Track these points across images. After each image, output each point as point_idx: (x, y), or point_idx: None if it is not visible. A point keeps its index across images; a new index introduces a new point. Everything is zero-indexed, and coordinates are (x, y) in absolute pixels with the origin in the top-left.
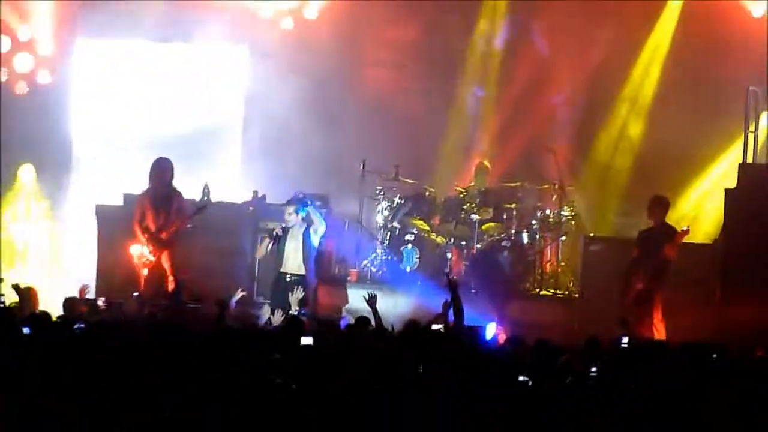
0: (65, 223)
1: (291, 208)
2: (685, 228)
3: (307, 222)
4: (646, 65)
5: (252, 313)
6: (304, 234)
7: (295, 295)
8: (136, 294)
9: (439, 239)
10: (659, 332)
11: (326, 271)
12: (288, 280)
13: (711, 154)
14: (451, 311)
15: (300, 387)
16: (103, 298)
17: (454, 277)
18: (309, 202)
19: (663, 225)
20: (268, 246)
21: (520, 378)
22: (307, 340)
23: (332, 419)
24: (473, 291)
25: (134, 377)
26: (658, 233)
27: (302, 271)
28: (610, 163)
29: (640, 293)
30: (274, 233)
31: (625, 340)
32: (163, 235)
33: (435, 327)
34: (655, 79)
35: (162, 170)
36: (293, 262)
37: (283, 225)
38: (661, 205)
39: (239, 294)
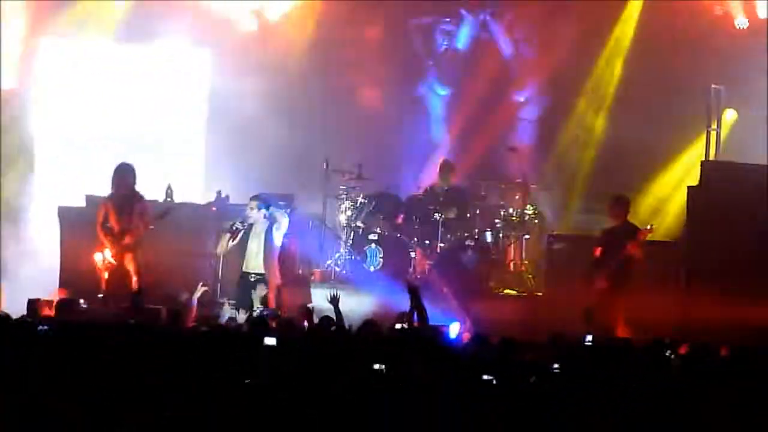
0: (28, 224)
1: (253, 203)
2: (648, 227)
3: (270, 220)
4: (607, 62)
5: (214, 313)
6: (266, 232)
7: (257, 294)
8: (99, 295)
9: None
10: (624, 331)
11: (290, 270)
12: (251, 279)
13: (673, 151)
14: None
15: (265, 387)
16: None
17: (414, 283)
18: (270, 204)
19: (625, 224)
20: (228, 241)
21: (484, 377)
22: (270, 341)
23: (298, 418)
24: (438, 291)
25: (99, 378)
26: (621, 232)
27: (264, 270)
28: (573, 161)
29: (604, 292)
30: (233, 227)
31: (589, 338)
32: (126, 239)
33: (398, 326)
34: (616, 77)
35: (124, 174)
36: (256, 260)
37: (242, 220)
38: (622, 204)
39: (200, 290)
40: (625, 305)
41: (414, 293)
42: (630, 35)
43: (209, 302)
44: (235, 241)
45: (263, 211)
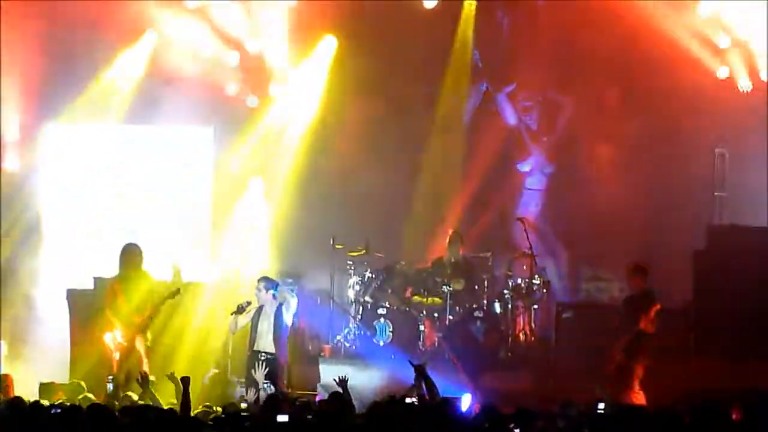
0: (37, 307)
1: (261, 284)
2: (658, 306)
3: (279, 300)
4: (608, 128)
5: (227, 392)
6: (276, 312)
7: (260, 372)
8: (110, 377)
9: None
10: (638, 399)
11: (299, 348)
12: (262, 358)
13: (675, 214)
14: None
15: None
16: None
17: (420, 363)
18: (278, 284)
19: (643, 292)
20: (236, 319)
21: None
22: (282, 418)
23: None
24: (448, 363)
25: None
26: (638, 301)
27: (274, 350)
28: (576, 230)
29: (620, 362)
30: (239, 306)
31: (602, 405)
32: (136, 320)
33: (408, 400)
34: (616, 140)
35: (131, 255)
36: (266, 340)
37: (247, 301)
38: (639, 272)
39: (211, 372)
40: (640, 374)
41: (420, 373)
42: (631, 98)
43: (221, 382)
44: (246, 320)
45: (271, 291)
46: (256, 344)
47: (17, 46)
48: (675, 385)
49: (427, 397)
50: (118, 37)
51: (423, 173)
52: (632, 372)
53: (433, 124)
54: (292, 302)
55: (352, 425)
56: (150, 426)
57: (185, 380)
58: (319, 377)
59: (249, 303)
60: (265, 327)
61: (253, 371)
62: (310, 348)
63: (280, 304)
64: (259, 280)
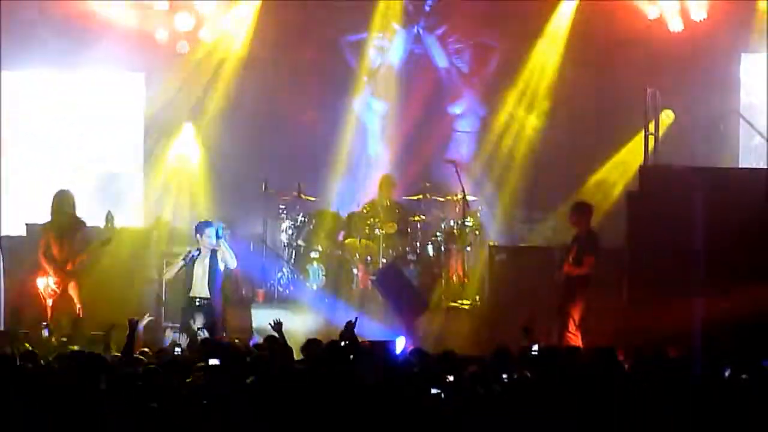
0: None
1: (210, 231)
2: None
3: (212, 245)
4: (541, 67)
5: (157, 338)
6: (210, 258)
7: (198, 318)
8: (43, 323)
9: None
10: (573, 341)
11: (233, 293)
12: (197, 304)
13: (607, 155)
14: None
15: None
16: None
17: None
18: (222, 231)
19: (587, 233)
20: (179, 267)
21: (433, 391)
22: (214, 361)
23: None
24: (383, 303)
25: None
26: (583, 240)
27: (208, 295)
28: (511, 170)
29: (557, 304)
30: (190, 254)
31: (536, 347)
32: (69, 266)
33: (342, 343)
34: (549, 81)
35: (64, 202)
36: (201, 286)
37: (197, 248)
38: (584, 211)
39: (146, 319)
40: (576, 316)
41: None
42: (563, 38)
43: (153, 329)
44: (178, 267)
45: (220, 241)
46: (192, 290)
47: None
48: (608, 327)
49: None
50: None
51: (353, 116)
52: (568, 313)
53: (362, 68)
54: (231, 260)
55: (288, 368)
56: (85, 371)
57: (132, 323)
58: (250, 322)
59: (199, 251)
60: (200, 273)
61: (189, 318)
62: (243, 293)
63: (214, 250)
64: (197, 227)
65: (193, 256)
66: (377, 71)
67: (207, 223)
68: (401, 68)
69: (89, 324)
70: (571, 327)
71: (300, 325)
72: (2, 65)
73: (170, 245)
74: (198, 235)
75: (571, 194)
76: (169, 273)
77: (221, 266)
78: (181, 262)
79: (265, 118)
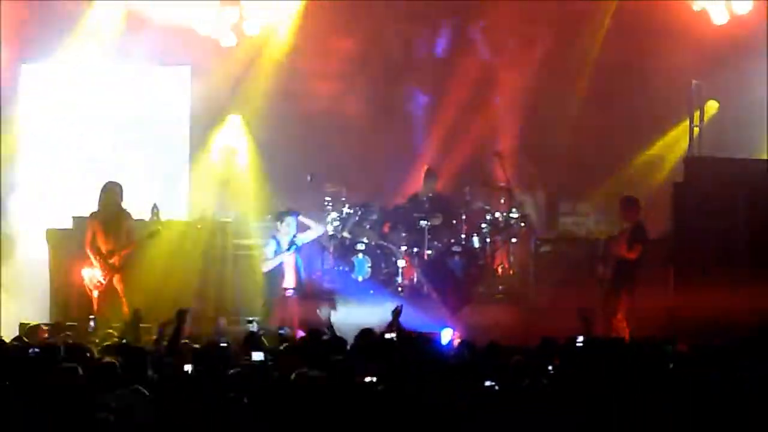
0: (15, 249)
1: (290, 219)
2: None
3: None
4: (582, 57)
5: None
6: (294, 247)
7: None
8: (91, 316)
9: None
10: (620, 332)
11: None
12: (288, 295)
13: (649, 146)
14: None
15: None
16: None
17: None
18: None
19: (636, 225)
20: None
21: (487, 383)
22: (258, 356)
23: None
24: (429, 295)
25: (92, 400)
26: (631, 233)
27: (294, 285)
28: (555, 162)
29: (605, 294)
30: (292, 246)
31: (580, 338)
32: (114, 259)
33: (388, 336)
34: (591, 72)
35: (111, 193)
36: (290, 276)
37: (292, 239)
38: (632, 205)
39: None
40: (626, 303)
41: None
42: (604, 30)
43: (199, 319)
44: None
45: (285, 226)
46: (285, 281)
47: None
48: (653, 317)
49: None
50: None
51: (401, 109)
52: (617, 301)
53: (409, 61)
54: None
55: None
56: (130, 363)
57: (182, 314)
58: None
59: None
60: (291, 262)
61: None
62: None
63: (293, 241)
64: (284, 215)
65: (298, 248)
66: (423, 63)
67: (287, 212)
68: (446, 59)
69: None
70: (620, 314)
71: (345, 316)
72: (49, 57)
73: (219, 238)
74: (278, 223)
75: (614, 185)
76: (268, 265)
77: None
78: (284, 254)
79: (309, 111)
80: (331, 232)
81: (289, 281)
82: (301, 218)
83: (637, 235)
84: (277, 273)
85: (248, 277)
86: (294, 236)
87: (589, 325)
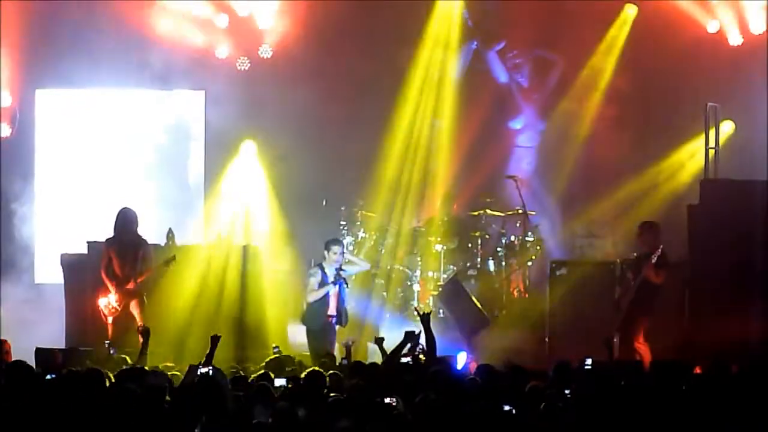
0: (31, 274)
1: (337, 248)
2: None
3: (339, 266)
4: (596, 77)
5: None
6: (336, 275)
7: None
8: (106, 342)
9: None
10: (641, 355)
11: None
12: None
13: (665, 169)
14: (418, 342)
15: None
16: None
17: (425, 311)
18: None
19: (662, 250)
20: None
21: (506, 407)
22: (280, 381)
23: None
24: (444, 319)
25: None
26: (648, 258)
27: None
28: (568, 186)
29: (625, 316)
30: (338, 276)
31: (589, 361)
32: (131, 285)
33: (405, 360)
34: (601, 97)
35: (127, 220)
36: (335, 302)
37: (338, 267)
38: (651, 229)
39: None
40: (646, 326)
41: (425, 322)
42: (619, 52)
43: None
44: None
45: (340, 252)
46: (330, 308)
47: (11, 12)
48: (670, 341)
49: (422, 356)
50: (111, 3)
51: (414, 133)
52: (639, 323)
53: (423, 85)
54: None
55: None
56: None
57: (215, 339)
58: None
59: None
60: (335, 291)
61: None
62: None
63: (338, 268)
64: (333, 243)
65: (342, 280)
66: (437, 86)
67: (334, 241)
68: (461, 83)
69: (151, 341)
70: (641, 338)
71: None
72: (64, 83)
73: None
74: (326, 252)
75: (630, 208)
76: (315, 296)
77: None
78: (330, 286)
79: (324, 135)
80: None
81: (332, 309)
82: (347, 254)
83: (663, 260)
84: (321, 303)
85: (266, 301)
86: (340, 266)
87: (612, 350)
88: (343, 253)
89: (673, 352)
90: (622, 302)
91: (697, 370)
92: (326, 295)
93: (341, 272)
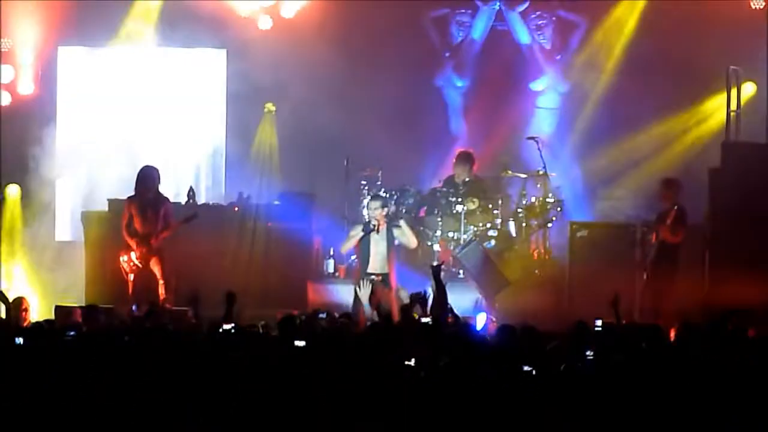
0: (53, 231)
1: (376, 203)
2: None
3: (390, 218)
4: (615, 43)
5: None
6: (387, 233)
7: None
8: (127, 300)
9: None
10: (667, 314)
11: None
12: (379, 280)
13: (686, 132)
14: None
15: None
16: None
17: (437, 264)
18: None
19: (678, 208)
20: (360, 238)
21: (525, 368)
22: (300, 343)
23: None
24: (464, 279)
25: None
26: (673, 214)
27: (386, 270)
28: (589, 147)
29: (647, 278)
30: (371, 225)
31: (599, 322)
32: (152, 242)
33: (424, 320)
34: (622, 59)
35: (148, 178)
36: (376, 261)
37: (368, 220)
38: (672, 187)
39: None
40: (669, 287)
41: (436, 276)
42: (640, 14)
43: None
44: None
45: (386, 209)
46: (370, 266)
47: None
48: (689, 302)
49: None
50: None
51: (435, 91)
52: (662, 284)
53: (444, 44)
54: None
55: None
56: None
57: (231, 296)
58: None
59: (375, 225)
60: (375, 248)
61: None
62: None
63: (391, 225)
64: (372, 199)
65: (372, 227)
66: (459, 47)
67: (374, 196)
68: (483, 44)
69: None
70: (664, 299)
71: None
72: (85, 42)
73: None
74: (375, 206)
75: (651, 168)
76: (348, 245)
77: (397, 242)
78: (361, 233)
79: (345, 94)
80: (367, 217)
81: (374, 265)
82: (403, 224)
83: (680, 219)
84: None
85: (284, 259)
86: (370, 221)
87: (618, 308)
88: (380, 210)
89: (693, 315)
90: (645, 264)
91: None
92: (365, 249)
93: (371, 227)
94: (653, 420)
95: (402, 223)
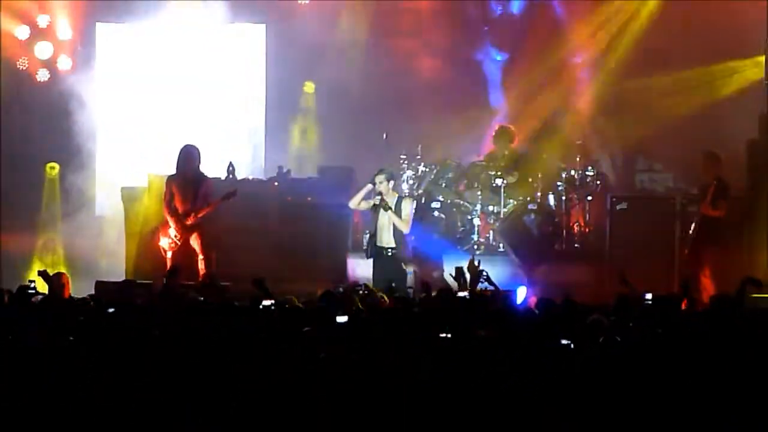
0: (92, 207)
1: (381, 176)
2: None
3: (399, 192)
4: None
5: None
6: (397, 205)
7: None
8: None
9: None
10: (708, 290)
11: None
12: (387, 254)
13: (729, 104)
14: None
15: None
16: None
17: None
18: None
19: (719, 181)
20: (362, 197)
21: (563, 341)
22: (342, 319)
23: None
24: (504, 253)
25: (165, 360)
26: (715, 187)
27: (392, 244)
28: (629, 119)
29: (690, 251)
30: (378, 199)
31: (649, 296)
32: (190, 219)
33: (461, 294)
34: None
35: (189, 156)
36: (385, 235)
37: (380, 196)
38: (712, 159)
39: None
40: (712, 258)
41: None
42: None
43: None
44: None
45: (392, 182)
46: (378, 239)
47: None
48: (729, 275)
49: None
50: None
51: (476, 66)
52: (704, 258)
53: (485, 17)
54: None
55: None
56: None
57: (258, 282)
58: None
59: (381, 196)
60: (385, 220)
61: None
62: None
63: (400, 197)
64: (379, 172)
65: (380, 192)
66: (498, 20)
67: (380, 170)
68: (521, 17)
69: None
70: (707, 272)
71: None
72: (123, 18)
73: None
74: (380, 180)
75: (692, 144)
76: (356, 199)
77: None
78: (368, 192)
79: (385, 69)
80: (406, 191)
81: (382, 238)
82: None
83: (721, 192)
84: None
85: (323, 233)
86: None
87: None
88: (385, 183)
89: (731, 287)
90: (689, 237)
91: None
92: (374, 221)
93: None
94: (696, 391)
95: (405, 203)
